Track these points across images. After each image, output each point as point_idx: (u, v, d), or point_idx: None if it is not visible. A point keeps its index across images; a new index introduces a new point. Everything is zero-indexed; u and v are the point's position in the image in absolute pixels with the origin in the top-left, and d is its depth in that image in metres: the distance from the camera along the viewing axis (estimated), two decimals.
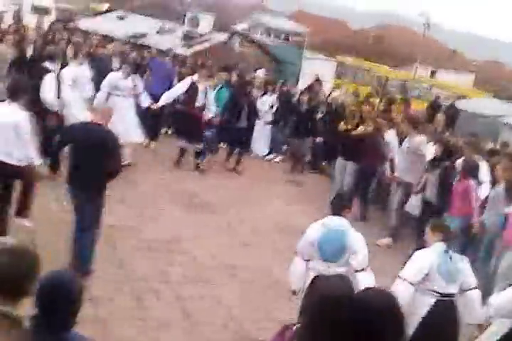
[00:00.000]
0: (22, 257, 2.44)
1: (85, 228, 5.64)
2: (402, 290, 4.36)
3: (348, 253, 4.61)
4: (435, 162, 7.87)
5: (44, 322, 2.45)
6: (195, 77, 9.89)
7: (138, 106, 9.62)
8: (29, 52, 10.53)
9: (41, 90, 7.90)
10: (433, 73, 34.86)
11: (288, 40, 35.48)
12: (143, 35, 16.80)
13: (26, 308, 2.48)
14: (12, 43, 9.87)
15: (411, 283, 4.41)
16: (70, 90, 8.34)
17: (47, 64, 8.32)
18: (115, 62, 10.94)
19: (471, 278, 4.55)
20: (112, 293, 5.52)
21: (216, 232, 7.58)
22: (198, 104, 9.80)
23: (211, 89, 10.06)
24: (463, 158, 7.59)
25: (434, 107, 17.65)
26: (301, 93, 11.84)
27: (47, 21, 16.17)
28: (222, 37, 17.47)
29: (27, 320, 2.42)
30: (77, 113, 8.08)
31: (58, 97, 8.06)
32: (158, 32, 17.37)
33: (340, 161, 9.39)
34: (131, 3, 35.21)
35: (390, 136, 8.81)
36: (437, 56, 36.66)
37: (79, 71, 8.91)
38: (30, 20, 14.99)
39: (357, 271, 4.61)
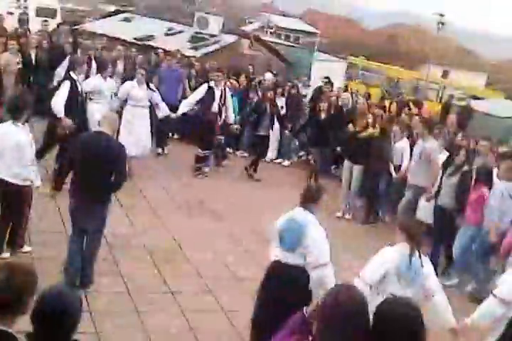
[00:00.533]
0: (18, 276, 2.46)
1: (88, 239, 5.60)
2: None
3: (304, 246, 4.53)
4: (453, 167, 7.65)
5: (41, 338, 2.44)
6: (212, 83, 9.85)
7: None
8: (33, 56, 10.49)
9: (54, 96, 7.91)
10: (446, 73, 34.56)
11: (298, 40, 35.42)
12: (150, 37, 16.71)
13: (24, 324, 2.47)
14: (17, 50, 9.83)
15: (367, 284, 4.27)
16: (91, 100, 8.56)
17: (71, 72, 8.29)
18: (119, 65, 10.86)
19: (433, 285, 4.33)
20: (112, 306, 5.43)
21: (221, 240, 7.47)
22: (213, 109, 9.79)
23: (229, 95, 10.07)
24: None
25: (447, 108, 17.42)
26: (317, 99, 11.67)
27: (53, 24, 16.09)
28: (231, 38, 17.32)
29: (23, 337, 2.43)
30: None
31: (77, 106, 8.11)
32: (166, 34, 17.28)
33: (347, 164, 9.34)
34: (138, 4, 35.28)
35: (403, 143, 8.68)
36: (451, 56, 36.41)
37: (103, 83, 8.92)
38: (36, 22, 14.90)
39: (314, 267, 4.53)
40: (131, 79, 9.40)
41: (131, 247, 6.75)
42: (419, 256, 4.28)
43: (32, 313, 2.45)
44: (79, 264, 5.52)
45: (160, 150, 10.77)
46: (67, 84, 7.98)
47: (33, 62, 10.43)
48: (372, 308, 3.29)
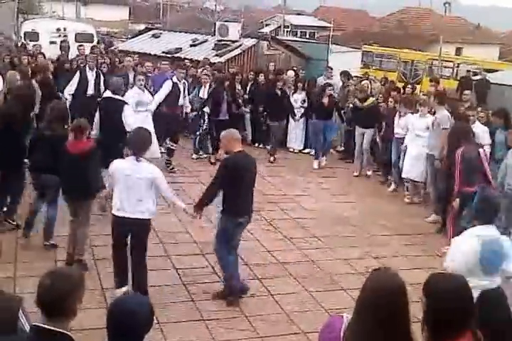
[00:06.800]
0: (63, 279, 2.48)
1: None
2: None
3: (505, 261, 3.95)
4: None
5: None
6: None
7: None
8: None
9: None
10: (459, 50, 33.67)
11: (314, 36, 35.04)
12: (178, 50, 16.82)
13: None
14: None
15: None
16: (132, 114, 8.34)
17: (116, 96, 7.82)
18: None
19: None
20: (168, 296, 5.53)
21: (261, 229, 7.49)
22: None
23: None
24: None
25: (463, 84, 16.96)
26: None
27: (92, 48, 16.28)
28: (251, 42, 17.29)
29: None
30: None
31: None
32: (191, 45, 17.35)
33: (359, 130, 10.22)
34: (164, 20, 35.55)
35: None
36: (461, 33, 35.37)
37: (141, 95, 8.94)
38: (75, 48, 15.12)
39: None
40: None
41: (181, 242, 6.86)
42: None
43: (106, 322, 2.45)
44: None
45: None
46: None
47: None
48: None
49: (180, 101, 9.87)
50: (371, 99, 10.11)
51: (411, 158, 8.70)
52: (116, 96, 7.81)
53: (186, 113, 10.45)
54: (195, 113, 10.59)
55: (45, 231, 6.41)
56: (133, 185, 5.12)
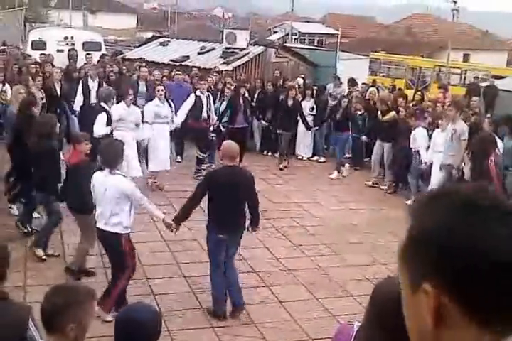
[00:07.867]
0: (62, 294, 2.42)
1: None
2: None
3: None
4: None
5: None
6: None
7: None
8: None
9: (95, 127, 7.69)
10: (466, 57, 33.65)
11: (322, 43, 35.21)
12: (185, 58, 16.90)
13: None
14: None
15: None
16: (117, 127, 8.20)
17: (103, 104, 7.98)
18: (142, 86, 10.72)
19: None
20: (177, 303, 5.55)
21: (269, 236, 7.49)
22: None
23: None
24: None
25: (472, 91, 16.91)
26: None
27: (97, 56, 16.40)
28: (259, 49, 17.37)
29: None
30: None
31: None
32: (198, 53, 17.44)
33: (378, 143, 10.00)
34: (172, 28, 35.76)
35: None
36: (469, 39, 35.38)
37: (161, 108, 8.82)
38: (83, 56, 15.22)
39: None
40: None
41: (190, 250, 6.87)
42: None
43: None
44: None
45: (179, 157, 10.84)
46: (103, 116, 7.78)
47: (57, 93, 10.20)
48: None
49: (204, 114, 9.74)
50: (392, 114, 9.88)
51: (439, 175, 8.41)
52: (102, 104, 7.92)
53: (212, 125, 10.12)
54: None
55: (35, 240, 6.44)
56: (105, 197, 5.14)
